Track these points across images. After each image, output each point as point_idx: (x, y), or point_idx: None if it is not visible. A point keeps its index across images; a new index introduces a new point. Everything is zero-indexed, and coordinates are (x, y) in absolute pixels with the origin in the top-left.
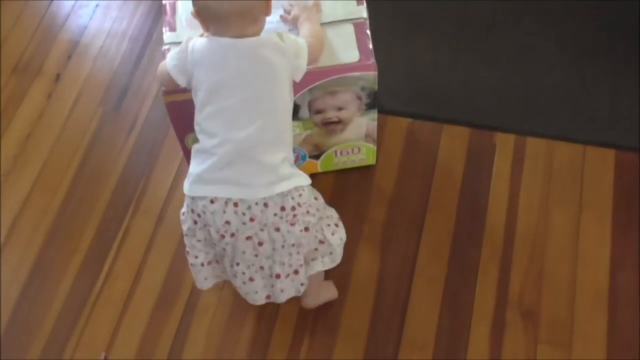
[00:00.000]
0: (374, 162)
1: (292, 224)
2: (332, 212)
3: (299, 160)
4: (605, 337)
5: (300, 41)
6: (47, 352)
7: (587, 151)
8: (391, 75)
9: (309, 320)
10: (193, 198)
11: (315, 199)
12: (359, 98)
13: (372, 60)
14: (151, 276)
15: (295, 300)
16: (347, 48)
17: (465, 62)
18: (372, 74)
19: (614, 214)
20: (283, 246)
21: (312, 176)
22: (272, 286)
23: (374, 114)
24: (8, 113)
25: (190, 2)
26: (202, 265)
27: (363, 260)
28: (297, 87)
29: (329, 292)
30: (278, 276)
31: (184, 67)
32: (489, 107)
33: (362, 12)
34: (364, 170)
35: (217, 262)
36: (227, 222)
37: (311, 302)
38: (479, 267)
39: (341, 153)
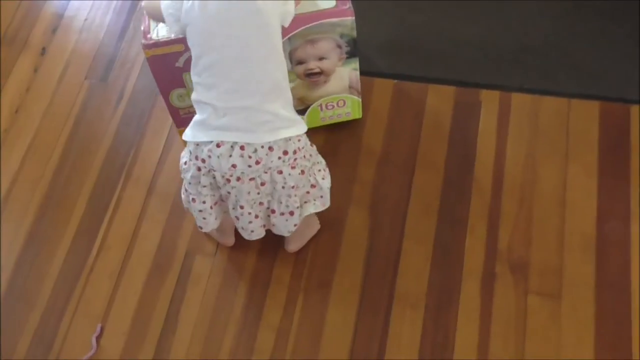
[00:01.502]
0: (360, 116)
1: (293, 167)
2: (321, 159)
3: None
4: (594, 286)
5: None
6: (44, 323)
7: (572, 104)
8: (374, 36)
9: (302, 280)
10: (197, 144)
11: (311, 145)
12: (339, 46)
13: (349, 5)
14: (144, 245)
15: (288, 261)
16: None
17: (449, 17)
18: (350, 19)
19: (600, 165)
20: (283, 187)
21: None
22: (268, 217)
23: (355, 63)
24: None
25: None
26: (211, 207)
27: (354, 221)
28: None
29: (312, 228)
30: (273, 211)
31: (178, 17)
32: (473, 64)
33: None
34: (352, 129)
35: (222, 200)
36: (234, 166)
37: (294, 246)
38: (468, 222)
39: (326, 107)
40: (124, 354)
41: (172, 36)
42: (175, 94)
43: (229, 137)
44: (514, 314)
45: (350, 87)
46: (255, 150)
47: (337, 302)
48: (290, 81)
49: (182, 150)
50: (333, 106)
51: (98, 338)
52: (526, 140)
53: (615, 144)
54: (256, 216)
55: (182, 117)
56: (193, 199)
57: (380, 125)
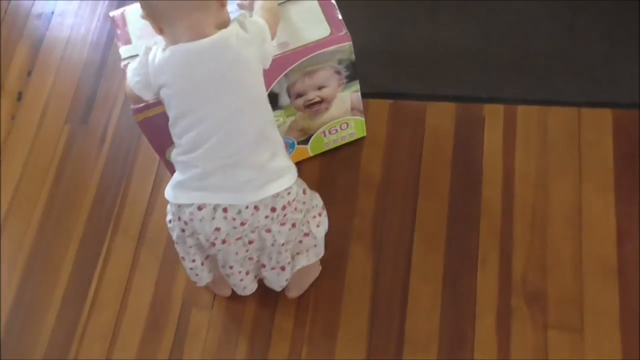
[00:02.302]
0: (365, 134)
1: (282, 224)
2: (317, 200)
3: (288, 149)
4: (618, 314)
5: (260, 23)
6: None
7: (582, 114)
8: (365, 53)
9: (305, 328)
10: (179, 205)
11: (304, 192)
12: (338, 72)
13: (345, 31)
14: (137, 301)
15: (290, 309)
16: (315, 23)
17: (443, 26)
18: (347, 44)
19: (616, 179)
20: (273, 244)
21: (299, 163)
22: (259, 269)
23: (356, 85)
24: None
25: (139, 6)
26: (202, 264)
27: (356, 259)
28: (271, 74)
29: (313, 272)
30: (264, 266)
31: (148, 82)
32: (473, 76)
33: None
34: (350, 156)
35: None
36: (217, 229)
37: (295, 292)
38: (478, 253)
39: (330, 132)
40: None
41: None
42: (170, 150)
43: (210, 199)
44: (533, 351)
45: (353, 108)
46: (240, 212)
47: (344, 350)
48: (290, 115)
49: None
50: (337, 130)
51: None
52: (535, 156)
53: (631, 154)
54: (247, 273)
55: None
56: (182, 257)
57: (379, 150)
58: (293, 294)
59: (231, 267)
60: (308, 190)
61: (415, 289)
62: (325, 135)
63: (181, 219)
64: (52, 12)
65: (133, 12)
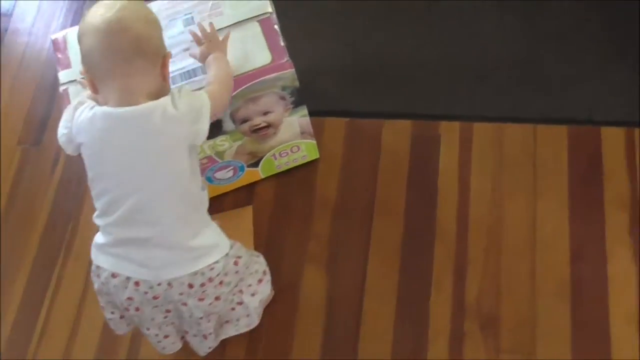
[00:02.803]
0: (318, 156)
1: (201, 299)
2: (258, 266)
3: (237, 172)
4: (570, 334)
5: (199, 100)
6: None
7: (537, 130)
8: (322, 66)
9: (258, 352)
10: (97, 266)
11: (235, 263)
12: (283, 98)
13: (286, 58)
14: (88, 328)
15: (242, 337)
16: (256, 50)
17: (403, 40)
18: (290, 72)
19: (571, 196)
20: (190, 316)
21: (253, 185)
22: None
23: (303, 110)
24: None
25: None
26: (121, 317)
27: (310, 283)
28: None
29: (263, 301)
30: (186, 332)
31: (70, 137)
32: (429, 93)
33: (267, 6)
34: (305, 177)
35: None
36: (130, 298)
37: None
38: (432, 275)
39: (280, 155)
40: None
41: None
42: None
43: (122, 269)
44: None
45: (302, 132)
46: (152, 287)
47: None
48: (236, 140)
49: None
50: (287, 153)
51: None
52: (491, 174)
53: (586, 171)
54: (165, 336)
55: None
56: (102, 307)
57: (334, 171)
58: None
59: (148, 329)
60: (244, 259)
61: (370, 311)
62: (275, 158)
63: (99, 277)
64: (6, 30)
65: (75, 36)
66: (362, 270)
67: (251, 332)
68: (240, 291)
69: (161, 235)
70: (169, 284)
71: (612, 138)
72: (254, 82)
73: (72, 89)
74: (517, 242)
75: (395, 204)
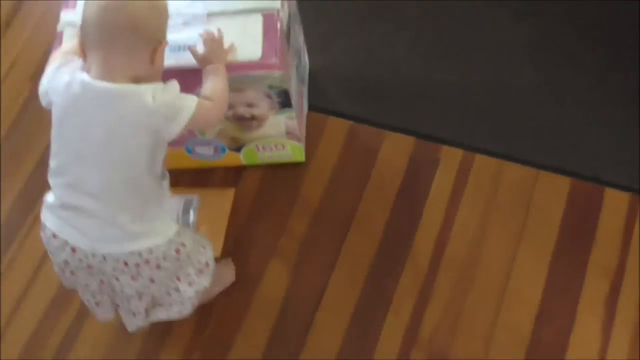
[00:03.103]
0: (303, 160)
1: (134, 279)
2: (203, 257)
3: (218, 152)
4: None
5: (183, 102)
6: None
7: (539, 176)
8: (337, 68)
9: (203, 336)
10: (44, 224)
11: (177, 251)
12: (269, 96)
13: (275, 60)
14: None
15: (194, 312)
16: (250, 43)
17: (424, 57)
18: (278, 73)
19: (555, 252)
20: (122, 292)
21: (241, 170)
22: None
23: (290, 112)
24: None
25: None
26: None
27: (271, 278)
28: (194, 81)
29: (224, 281)
30: (118, 306)
31: (46, 91)
32: (440, 115)
33: (277, 4)
34: (293, 174)
35: None
36: (66, 262)
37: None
38: (393, 299)
39: (264, 148)
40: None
41: None
42: None
43: (63, 233)
44: None
45: (288, 133)
46: (87, 257)
47: None
48: None
49: None
50: (271, 148)
51: None
52: (480, 211)
53: (579, 229)
54: (97, 303)
55: None
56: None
57: (324, 174)
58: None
59: (82, 294)
60: (188, 249)
61: (321, 321)
62: (258, 150)
63: (45, 235)
64: None
65: None
66: (325, 278)
67: (203, 311)
68: (178, 278)
69: (102, 211)
70: (104, 257)
71: (615, 201)
72: (238, 73)
73: (67, 33)
74: (487, 286)
75: (375, 220)
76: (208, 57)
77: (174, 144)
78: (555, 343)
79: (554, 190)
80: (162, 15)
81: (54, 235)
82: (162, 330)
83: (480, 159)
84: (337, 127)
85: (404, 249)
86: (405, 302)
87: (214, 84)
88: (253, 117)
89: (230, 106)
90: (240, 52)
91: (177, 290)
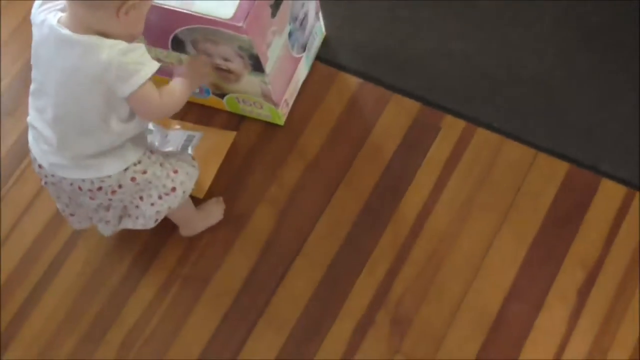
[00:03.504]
0: (282, 124)
1: (92, 199)
2: (170, 181)
3: (203, 92)
4: None
5: (139, 69)
6: None
7: (538, 157)
8: (354, 32)
9: (185, 267)
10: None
11: (132, 179)
12: (241, 56)
13: (243, 23)
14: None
15: (180, 245)
16: (227, 1)
17: (442, 28)
18: (245, 37)
19: (538, 237)
20: (88, 206)
21: (244, 118)
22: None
23: (264, 77)
24: None
25: None
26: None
27: (257, 222)
28: (167, 25)
29: (209, 219)
30: (91, 217)
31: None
32: (449, 85)
33: None
34: (293, 125)
35: None
36: (38, 173)
37: (186, 233)
38: (369, 259)
39: (244, 102)
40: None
41: None
42: None
43: (32, 149)
44: None
45: (264, 95)
46: (47, 175)
47: (209, 300)
48: None
49: None
50: (250, 104)
51: None
52: (471, 185)
53: (566, 216)
54: (71, 214)
55: None
56: None
57: (325, 128)
58: (183, 233)
59: (57, 204)
60: (148, 175)
61: (297, 270)
62: (239, 102)
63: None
64: None
65: None
66: (309, 228)
67: (189, 245)
68: (141, 198)
69: (55, 141)
70: (61, 179)
71: (609, 193)
72: (209, 27)
73: None
74: (463, 260)
75: (366, 178)
76: (185, 72)
77: (161, 72)
78: (519, 325)
79: (549, 174)
80: None
81: (30, 148)
82: (149, 257)
83: (481, 133)
84: (345, 83)
85: (389, 211)
86: (381, 264)
87: (175, 84)
88: (229, 71)
89: (209, 55)
90: (216, 8)
91: (139, 207)
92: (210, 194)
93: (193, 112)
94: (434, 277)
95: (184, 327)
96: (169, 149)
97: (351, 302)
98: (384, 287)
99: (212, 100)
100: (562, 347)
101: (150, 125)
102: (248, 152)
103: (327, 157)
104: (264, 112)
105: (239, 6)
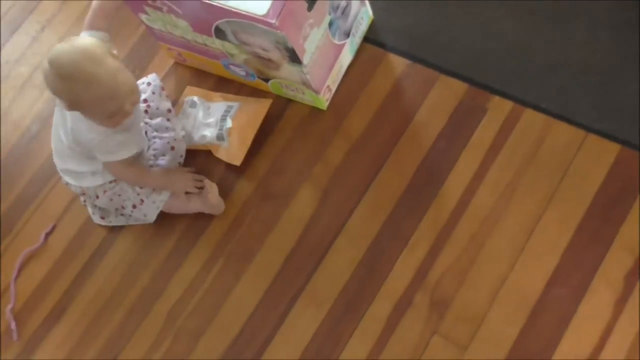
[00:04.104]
0: (324, 108)
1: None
2: (132, 196)
3: (249, 76)
4: (508, 352)
5: (108, 158)
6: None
7: (587, 139)
8: (400, 10)
9: (229, 244)
10: None
11: (104, 191)
12: (278, 48)
13: (276, 20)
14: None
15: (227, 220)
16: None
17: (490, 8)
18: (280, 33)
19: (584, 220)
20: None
21: (286, 102)
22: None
23: (301, 67)
24: None
25: None
26: None
27: (301, 199)
28: (211, 16)
29: (206, 207)
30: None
31: None
32: (496, 65)
33: None
34: (340, 106)
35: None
36: None
37: (169, 209)
38: (411, 239)
39: (287, 87)
40: (61, 256)
41: None
42: (143, 17)
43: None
44: (411, 349)
45: (305, 84)
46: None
47: (251, 276)
48: (243, 53)
49: None
50: (293, 90)
51: (48, 234)
52: (516, 166)
53: (615, 199)
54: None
55: (156, 34)
56: None
57: (371, 109)
58: (167, 209)
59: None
60: (112, 192)
61: (338, 248)
62: (282, 87)
63: None
64: None
65: None
66: (351, 207)
67: (235, 220)
68: (122, 207)
69: (57, 155)
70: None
71: None
72: (244, 21)
73: None
74: (505, 242)
75: (410, 159)
76: (170, 173)
77: (211, 56)
78: (562, 310)
79: (599, 156)
80: (100, 101)
81: None
82: (195, 234)
83: (529, 114)
84: (391, 64)
85: (432, 191)
86: (421, 244)
87: (149, 174)
88: (269, 59)
89: (248, 44)
90: (251, 4)
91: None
92: (255, 171)
93: (243, 92)
94: (474, 259)
95: (227, 301)
96: (211, 119)
97: (390, 282)
98: (424, 268)
99: (258, 83)
100: (607, 333)
101: (195, 98)
102: (293, 133)
103: (372, 138)
104: (306, 97)
105: (273, 2)
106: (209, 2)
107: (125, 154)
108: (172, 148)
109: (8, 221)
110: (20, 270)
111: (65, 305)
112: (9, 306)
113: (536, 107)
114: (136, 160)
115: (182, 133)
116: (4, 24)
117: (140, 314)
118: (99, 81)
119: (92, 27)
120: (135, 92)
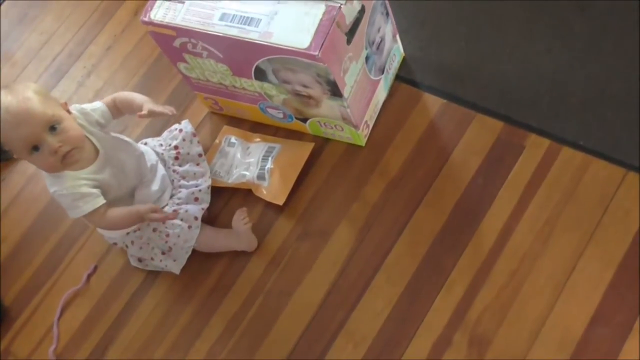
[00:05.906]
0: (363, 144)
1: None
2: (161, 243)
3: (286, 117)
4: None
5: (70, 211)
6: (57, 249)
7: (627, 177)
8: (434, 49)
9: (269, 282)
10: None
11: (131, 242)
12: (319, 83)
13: (318, 52)
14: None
15: (266, 257)
16: (303, 30)
17: (526, 46)
18: (322, 65)
19: (625, 258)
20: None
21: (323, 142)
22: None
23: (342, 101)
24: None
25: None
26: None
27: (339, 238)
28: (252, 56)
29: (235, 243)
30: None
31: None
32: (533, 103)
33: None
34: (377, 143)
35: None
36: None
37: (201, 248)
38: (449, 277)
39: (325, 125)
40: (102, 296)
41: (165, 21)
42: (181, 66)
43: None
44: None
45: (344, 119)
46: None
47: (290, 314)
48: (282, 93)
49: None
50: (332, 127)
51: (90, 275)
52: (554, 203)
53: None
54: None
55: (193, 84)
56: None
57: (407, 147)
58: (199, 248)
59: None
60: (143, 239)
61: (377, 287)
62: (321, 126)
63: None
64: None
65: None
66: (389, 246)
67: (274, 258)
68: (152, 258)
69: None
70: None
71: None
72: (287, 56)
73: None
74: (546, 280)
75: (447, 197)
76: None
77: (248, 100)
78: (605, 350)
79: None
80: (8, 126)
81: None
82: (235, 272)
83: (566, 152)
84: (426, 103)
85: (470, 230)
86: (460, 282)
87: (117, 214)
88: (309, 96)
89: (289, 82)
90: (291, 38)
91: (153, 258)
92: (293, 210)
93: (279, 135)
94: (514, 297)
95: (265, 340)
96: (251, 159)
97: (429, 320)
98: (463, 306)
99: (296, 124)
100: None
101: (233, 138)
102: (331, 171)
103: (409, 176)
104: (345, 134)
105: (315, 36)
106: (252, 40)
107: (89, 207)
108: (196, 199)
109: (51, 263)
110: (62, 311)
111: (106, 344)
112: (52, 347)
113: (574, 145)
114: (116, 204)
115: (209, 183)
116: (51, 69)
117: (180, 352)
118: (7, 107)
119: (106, 101)
120: (67, 130)
